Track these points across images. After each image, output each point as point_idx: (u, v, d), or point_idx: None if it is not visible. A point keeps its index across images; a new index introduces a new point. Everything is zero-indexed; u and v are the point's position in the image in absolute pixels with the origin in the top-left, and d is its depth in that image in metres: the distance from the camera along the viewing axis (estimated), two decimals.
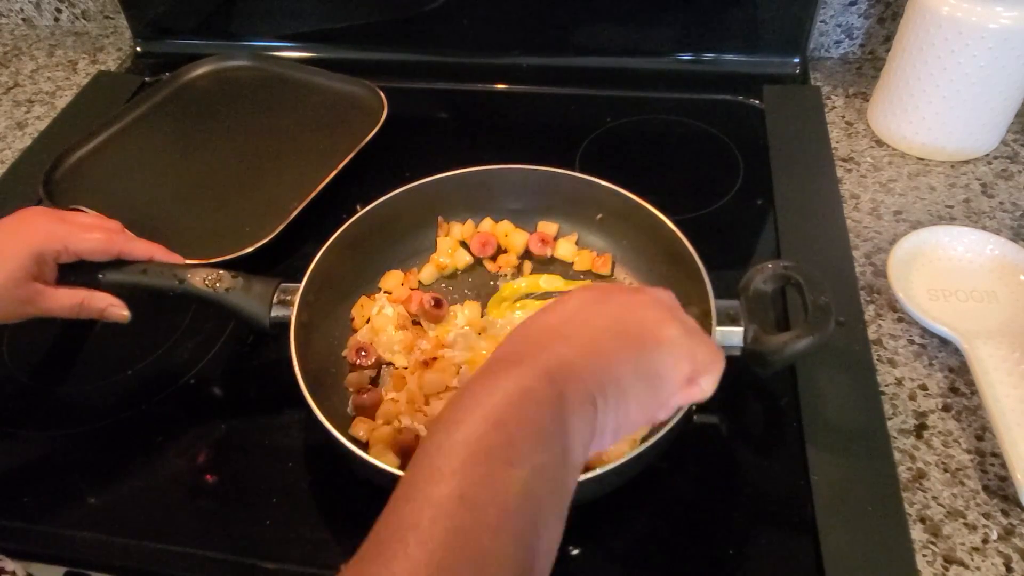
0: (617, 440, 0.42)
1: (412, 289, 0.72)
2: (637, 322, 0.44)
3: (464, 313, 0.69)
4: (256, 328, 0.63)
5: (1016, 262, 0.69)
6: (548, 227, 0.75)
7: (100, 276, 0.63)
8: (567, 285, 0.72)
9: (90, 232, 0.62)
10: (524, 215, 0.76)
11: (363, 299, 0.70)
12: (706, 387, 0.46)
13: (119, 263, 0.63)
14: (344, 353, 0.67)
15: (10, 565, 0.56)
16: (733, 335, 0.57)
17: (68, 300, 0.61)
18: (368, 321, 0.68)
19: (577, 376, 0.39)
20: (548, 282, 0.72)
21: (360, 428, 0.60)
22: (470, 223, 0.76)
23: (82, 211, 0.78)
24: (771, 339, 0.56)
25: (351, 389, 0.65)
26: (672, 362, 0.44)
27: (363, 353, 0.66)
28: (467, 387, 0.39)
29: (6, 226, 0.60)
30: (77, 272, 0.62)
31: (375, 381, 0.66)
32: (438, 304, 0.68)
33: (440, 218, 0.76)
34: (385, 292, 0.71)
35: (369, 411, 0.62)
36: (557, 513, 0.37)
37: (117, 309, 0.63)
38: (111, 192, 0.86)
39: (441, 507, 0.33)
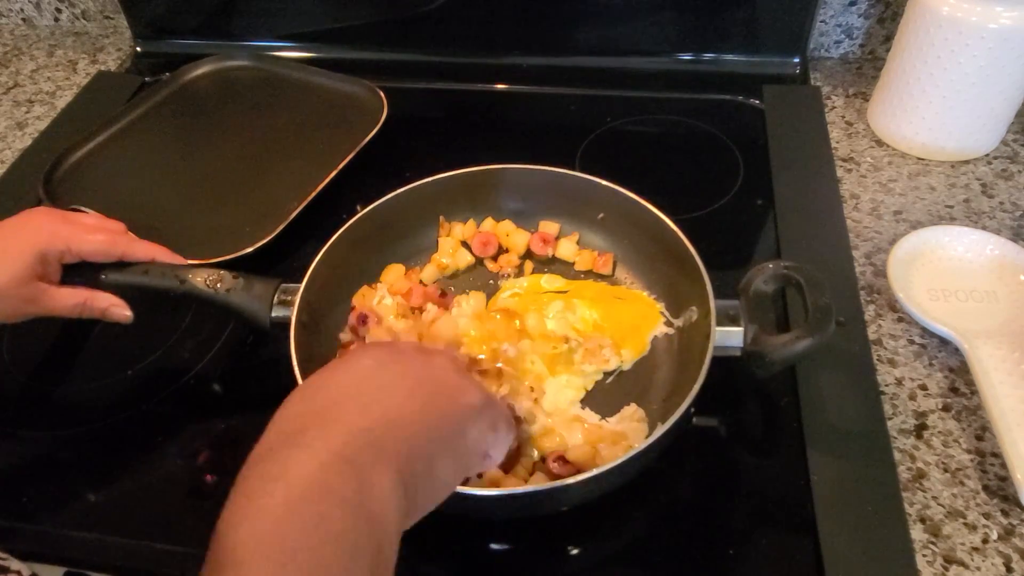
0: (423, 516, 0.37)
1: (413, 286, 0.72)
2: (441, 387, 0.40)
3: (469, 303, 0.69)
4: (257, 328, 0.63)
5: (1016, 262, 0.69)
6: (549, 227, 0.75)
7: (102, 276, 0.63)
8: (567, 285, 0.72)
9: (93, 233, 0.62)
10: (525, 215, 0.76)
11: (364, 288, 0.70)
12: (497, 458, 0.43)
13: (121, 264, 0.64)
14: (341, 334, 0.68)
15: (15, 564, 0.56)
16: (733, 336, 0.57)
17: (71, 300, 0.62)
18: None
19: (379, 450, 0.34)
20: (549, 281, 0.72)
21: None
22: (471, 223, 0.76)
23: (82, 211, 0.78)
24: (771, 340, 0.56)
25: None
26: (477, 431, 0.41)
27: (364, 321, 0.65)
28: (250, 466, 0.34)
29: (11, 226, 0.61)
30: (80, 272, 0.63)
31: None
32: (443, 295, 0.68)
33: (441, 218, 0.76)
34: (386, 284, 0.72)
35: None
36: None
37: (119, 309, 0.64)
38: (111, 192, 0.86)
39: None
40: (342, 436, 0.34)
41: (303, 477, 0.32)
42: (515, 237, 0.75)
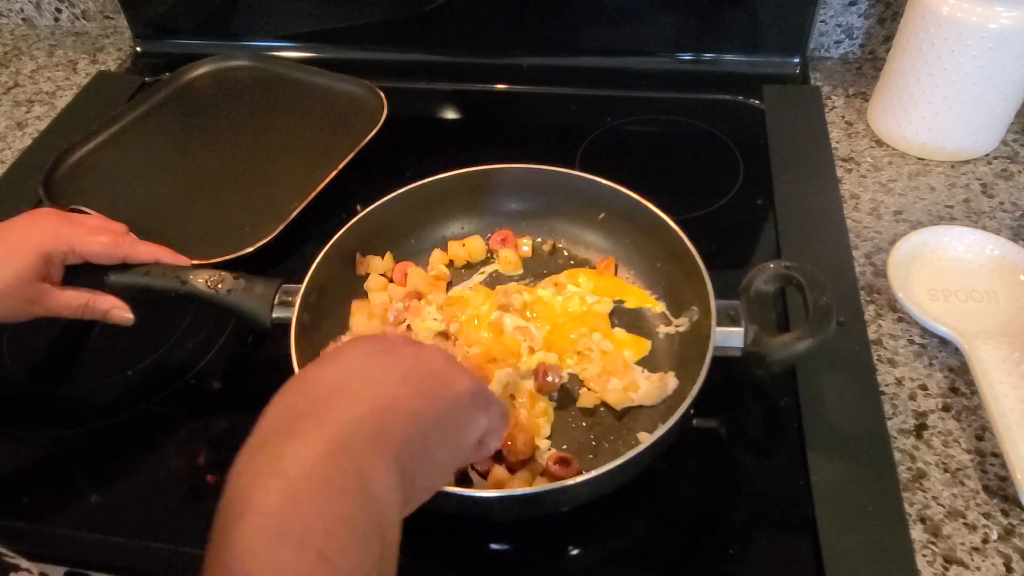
0: (422, 502, 0.38)
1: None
2: (431, 374, 0.40)
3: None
4: (258, 329, 0.63)
5: (1016, 262, 0.69)
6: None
7: (105, 277, 0.64)
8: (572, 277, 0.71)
9: (97, 235, 0.62)
10: (525, 215, 0.76)
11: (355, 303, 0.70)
12: (492, 446, 0.43)
13: (123, 265, 0.64)
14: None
15: (25, 563, 0.56)
16: (733, 336, 0.57)
17: (73, 301, 0.62)
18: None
19: (374, 438, 0.34)
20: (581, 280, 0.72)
21: None
22: (388, 256, 0.73)
23: (83, 211, 0.78)
24: (772, 340, 0.56)
25: None
26: (469, 416, 0.41)
27: None
28: (247, 454, 0.33)
29: (15, 227, 0.61)
30: (82, 273, 0.63)
31: None
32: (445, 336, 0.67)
33: (357, 255, 0.72)
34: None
35: None
36: None
37: (121, 311, 0.64)
38: (111, 192, 0.86)
39: None
40: (337, 425, 0.34)
41: (301, 468, 0.32)
42: (471, 244, 0.74)
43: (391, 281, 0.72)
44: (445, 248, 0.75)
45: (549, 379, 0.62)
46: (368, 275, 0.72)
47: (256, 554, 0.29)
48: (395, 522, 0.34)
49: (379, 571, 0.32)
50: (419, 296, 0.69)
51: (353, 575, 0.30)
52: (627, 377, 0.63)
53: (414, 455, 0.36)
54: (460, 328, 0.66)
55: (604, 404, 0.63)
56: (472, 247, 0.74)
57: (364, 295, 0.71)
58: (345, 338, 0.68)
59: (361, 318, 0.68)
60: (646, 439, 0.53)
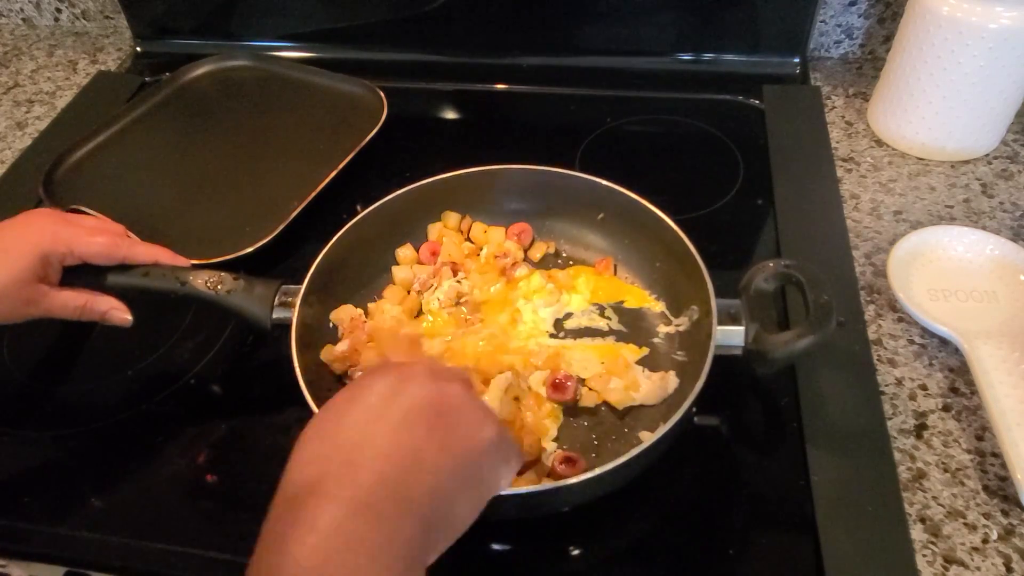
0: (442, 552, 0.38)
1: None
2: (457, 421, 0.39)
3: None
4: (258, 329, 0.63)
5: (1016, 262, 0.69)
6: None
7: (103, 278, 0.63)
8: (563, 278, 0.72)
9: (95, 236, 0.62)
10: (525, 215, 0.76)
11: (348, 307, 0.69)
12: (505, 487, 0.43)
13: (122, 266, 0.63)
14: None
15: (16, 572, 0.56)
16: (734, 334, 0.57)
17: (71, 302, 0.62)
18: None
19: (402, 498, 0.35)
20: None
21: None
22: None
23: (83, 211, 0.78)
24: (772, 338, 0.56)
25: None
26: (492, 467, 0.41)
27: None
28: (269, 529, 0.34)
29: (13, 227, 0.61)
30: (80, 274, 0.62)
31: None
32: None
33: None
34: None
35: None
36: None
37: (119, 313, 0.64)
38: (111, 192, 0.86)
39: None
40: (366, 485, 0.35)
41: (332, 528, 0.33)
42: (492, 234, 0.74)
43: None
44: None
45: (568, 386, 0.61)
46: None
47: None
48: (420, 574, 0.35)
49: None
50: (454, 267, 0.71)
51: None
52: (628, 377, 0.63)
53: (437, 509, 0.37)
54: (482, 301, 0.68)
55: (605, 403, 0.63)
56: (492, 236, 0.74)
57: (365, 297, 0.71)
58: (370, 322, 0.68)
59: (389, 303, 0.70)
60: (648, 438, 0.53)
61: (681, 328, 0.66)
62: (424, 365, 0.41)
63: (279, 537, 0.33)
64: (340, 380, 0.65)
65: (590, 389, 0.63)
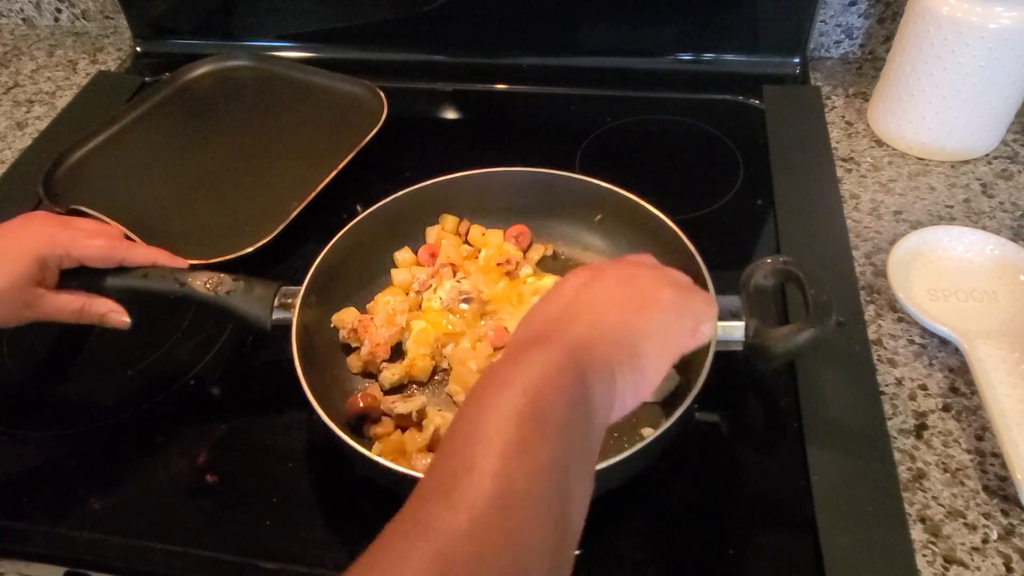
0: (640, 399, 0.45)
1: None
2: (636, 291, 0.47)
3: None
4: (257, 331, 0.63)
5: (1016, 262, 0.69)
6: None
7: (101, 281, 0.63)
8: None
9: (92, 238, 0.62)
10: (524, 216, 0.76)
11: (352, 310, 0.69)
12: (707, 332, 0.49)
13: (121, 268, 0.63)
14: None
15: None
16: (735, 330, 0.57)
17: (69, 305, 0.61)
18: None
19: (593, 350, 0.42)
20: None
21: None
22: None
23: (83, 211, 0.78)
24: (772, 333, 0.56)
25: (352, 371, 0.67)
26: (674, 319, 0.47)
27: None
28: (502, 363, 0.40)
29: (10, 230, 0.61)
30: (78, 277, 0.62)
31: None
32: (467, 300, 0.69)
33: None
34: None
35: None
36: (586, 477, 0.39)
37: (117, 315, 0.64)
38: (111, 192, 0.86)
39: (483, 471, 0.34)
40: (567, 340, 0.41)
41: (540, 374, 0.38)
42: (490, 237, 0.75)
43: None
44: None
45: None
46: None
47: (509, 420, 0.36)
48: (602, 429, 0.41)
49: (584, 445, 0.39)
50: (453, 269, 0.71)
51: (559, 430, 0.37)
52: None
53: (624, 362, 0.43)
54: (488, 300, 0.69)
55: None
56: (490, 239, 0.74)
57: (364, 298, 0.71)
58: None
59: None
60: (651, 434, 0.53)
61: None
62: (618, 263, 0.50)
63: (503, 377, 0.39)
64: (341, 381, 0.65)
65: None
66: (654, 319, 0.46)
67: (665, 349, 0.46)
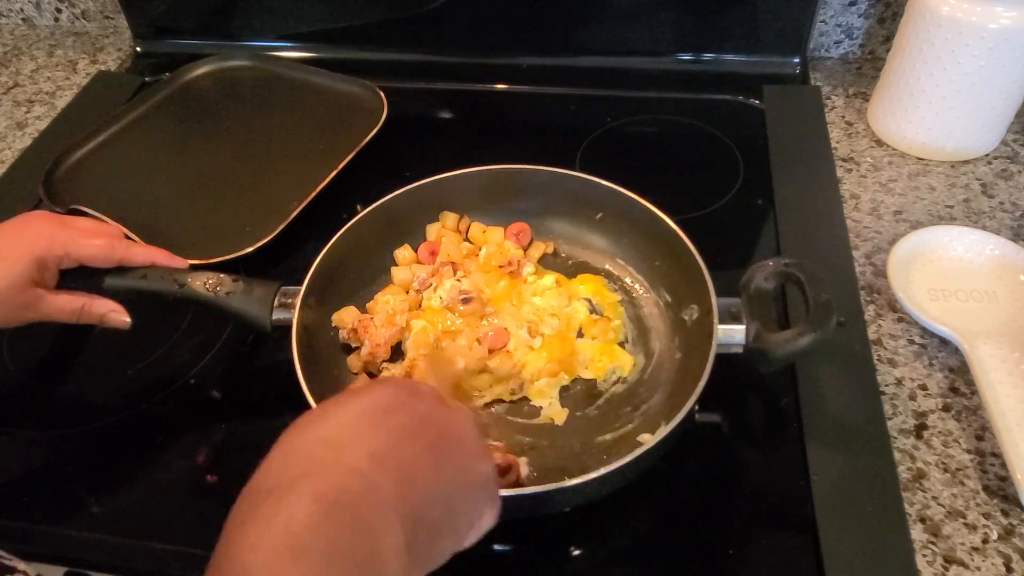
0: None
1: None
2: (460, 449, 0.38)
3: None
4: (257, 331, 0.63)
5: (1016, 262, 0.69)
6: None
7: (100, 281, 0.63)
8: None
9: (92, 238, 0.62)
10: (525, 215, 0.76)
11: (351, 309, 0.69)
12: (476, 538, 0.41)
13: (120, 268, 0.63)
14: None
15: (21, 565, 0.56)
16: (735, 333, 0.58)
17: (68, 305, 0.61)
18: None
19: (382, 503, 0.33)
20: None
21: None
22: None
23: (83, 212, 0.78)
24: (773, 337, 0.56)
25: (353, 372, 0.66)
26: (480, 505, 0.40)
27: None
28: (229, 520, 0.33)
29: (9, 230, 0.60)
30: (77, 277, 0.62)
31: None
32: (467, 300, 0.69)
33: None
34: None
35: None
36: None
37: (117, 315, 0.63)
38: (111, 192, 0.86)
39: None
40: (340, 485, 0.33)
41: (293, 525, 0.31)
42: (491, 234, 0.74)
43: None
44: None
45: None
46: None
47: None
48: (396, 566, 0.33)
49: None
50: (453, 267, 0.71)
51: None
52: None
53: (418, 531, 0.35)
54: (489, 299, 0.69)
55: (607, 401, 0.63)
56: (491, 236, 0.74)
57: (364, 297, 0.71)
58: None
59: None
60: (649, 440, 0.53)
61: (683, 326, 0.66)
62: (433, 390, 0.40)
63: (237, 528, 0.32)
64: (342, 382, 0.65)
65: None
66: (466, 495, 0.38)
67: (456, 538, 0.38)
